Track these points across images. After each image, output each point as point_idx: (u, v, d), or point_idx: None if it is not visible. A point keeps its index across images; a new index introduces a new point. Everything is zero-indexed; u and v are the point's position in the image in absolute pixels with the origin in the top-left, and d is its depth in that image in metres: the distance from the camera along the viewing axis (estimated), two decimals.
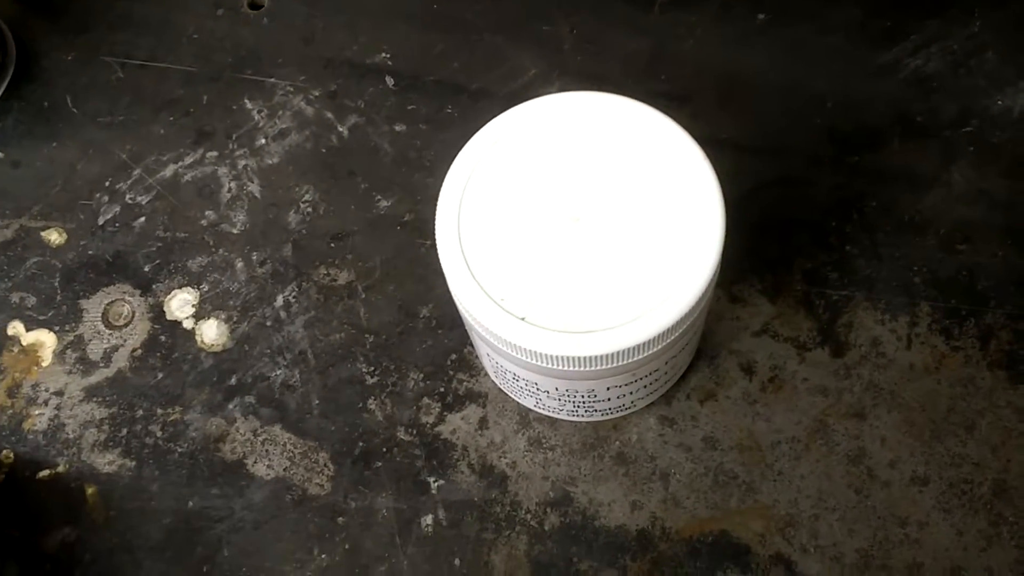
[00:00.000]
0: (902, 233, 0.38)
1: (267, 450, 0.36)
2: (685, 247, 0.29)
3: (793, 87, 0.41)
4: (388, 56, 0.43)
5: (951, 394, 0.36)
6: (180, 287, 0.39)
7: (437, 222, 0.30)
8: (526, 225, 0.29)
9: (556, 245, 0.29)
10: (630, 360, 0.29)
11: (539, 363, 0.29)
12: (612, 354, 0.28)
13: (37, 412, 0.38)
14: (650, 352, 0.29)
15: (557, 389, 0.32)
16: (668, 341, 0.29)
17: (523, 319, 0.28)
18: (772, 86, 0.41)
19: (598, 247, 0.29)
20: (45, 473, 0.37)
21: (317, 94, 0.42)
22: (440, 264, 0.29)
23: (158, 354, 0.38)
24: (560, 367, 0.29)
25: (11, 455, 0.37)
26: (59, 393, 0.38)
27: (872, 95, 0.40)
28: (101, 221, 0.40)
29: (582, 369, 0.29)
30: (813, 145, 0.40)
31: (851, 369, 0.36)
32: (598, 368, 0.29)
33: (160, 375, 0.38)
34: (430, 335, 0.38)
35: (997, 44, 0.41)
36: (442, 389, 0.37)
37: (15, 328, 0.39)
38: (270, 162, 0.41)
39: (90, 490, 0.36)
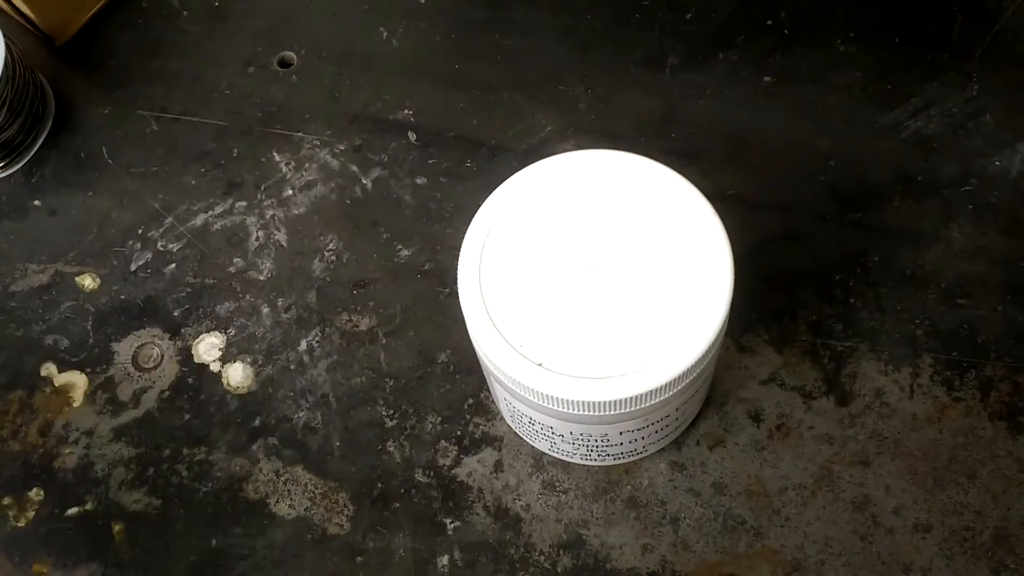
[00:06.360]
0: (904, 287, 0.39)
1: (289, 490, 0.38)
2: (696, 297, 0.30)
3: (798, 146, 0.43)
4: (411, 112, 0.45)
5: (953, 443, 0.37)
6: (208, 331, 0.41)
7: (459, 270, 0.31)
8: (544, 275, 0.31)
9: (573, 295, 0.31)
10: (643, 405, 0.30)
11: (555, 407, 0.30)
12: (625, 399, 0.29)
13: (67, 451, 0.39)
14: (662, 398, 0.30)
15: (572, 433, 0.33)
16: (679, 387, 0.30)
17: (540, 365, 0.30)
18: (778, 145, 0.43)
19: (613, 297, 0.30)
20: (74, 511, 0.38)
21: (342, 148, 0.44)
22: (460, 311, 0.31)
23: (185, 396, 0.39)
24: (575, 411, 0.30)
25: (41, 492, 0.38)
26: (89, 433, 0.39)
27: (874, 154, 0.42)
28: (133, 267, 0.42)
29: (596, 414, 0.30)
30: (817, 202, 0.41)
31: (856, 418, 0.37)
32: (612, 413, 0.30)
33: (187, 416, 0.39)
34: (448, 380, 0.39)
35: (994, 108, 0.43)
36: (459, 433, 0.38)
37: (48, 369, 0.40)
38: (296, 212, 0.43)
39: (117, 527, 0.37)
